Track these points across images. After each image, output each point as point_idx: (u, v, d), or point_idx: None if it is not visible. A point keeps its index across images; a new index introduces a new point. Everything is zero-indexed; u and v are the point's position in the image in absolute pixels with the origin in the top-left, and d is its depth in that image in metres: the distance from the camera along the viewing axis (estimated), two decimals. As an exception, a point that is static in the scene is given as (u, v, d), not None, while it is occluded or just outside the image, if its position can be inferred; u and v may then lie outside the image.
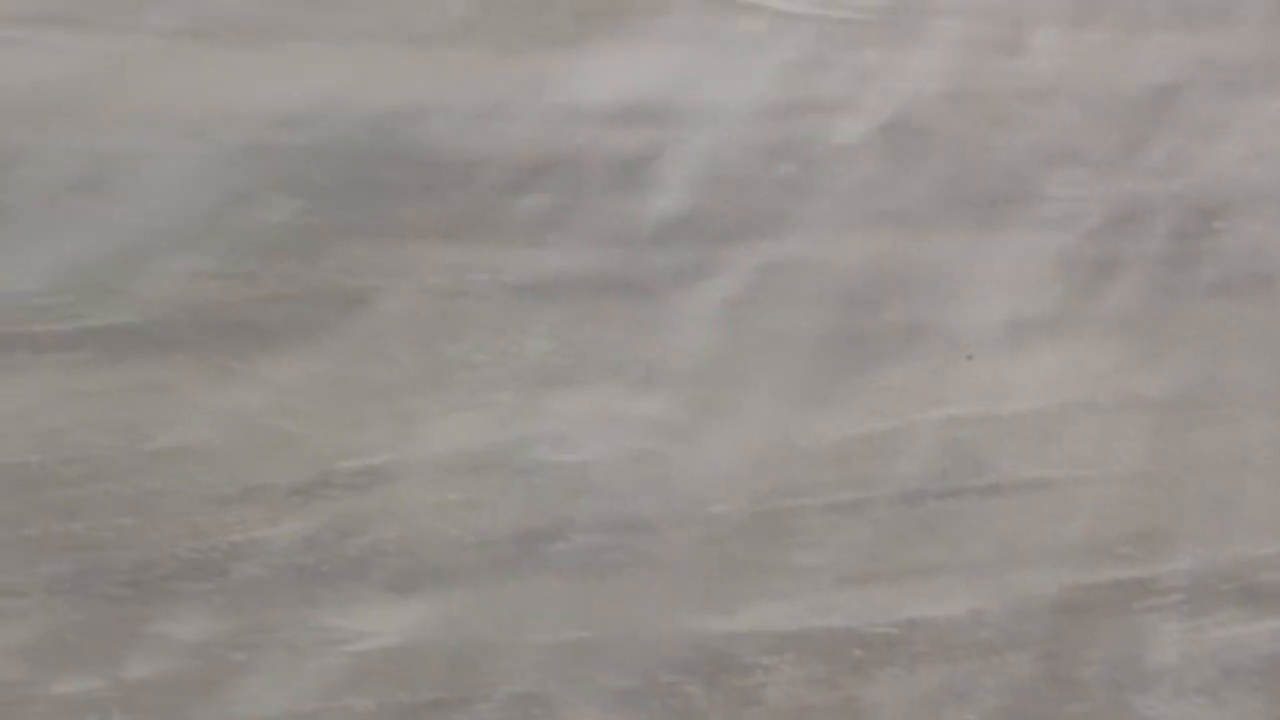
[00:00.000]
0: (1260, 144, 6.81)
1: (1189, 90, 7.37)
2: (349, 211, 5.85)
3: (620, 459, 4.37)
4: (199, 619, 3.65)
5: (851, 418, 4.63)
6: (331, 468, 4.25)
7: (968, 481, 4.34)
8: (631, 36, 7.90)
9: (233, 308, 5.12)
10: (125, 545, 3.89)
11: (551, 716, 3.40)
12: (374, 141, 6.49)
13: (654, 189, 6.18)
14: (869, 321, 5.22)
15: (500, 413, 4.58)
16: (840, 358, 4.98)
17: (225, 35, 7.74)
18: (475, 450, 4.38)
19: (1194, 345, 5.14)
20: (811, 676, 3.55)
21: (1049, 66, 7.81)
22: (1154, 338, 5.18)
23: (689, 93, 7.17)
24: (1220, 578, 3.93)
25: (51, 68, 7.19)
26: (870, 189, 6.28)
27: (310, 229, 5.70)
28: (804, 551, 4.00)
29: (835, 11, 8.43)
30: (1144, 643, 3.69)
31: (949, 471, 4.38)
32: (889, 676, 3.56)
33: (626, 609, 3.76)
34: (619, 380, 4.79)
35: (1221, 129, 6.94)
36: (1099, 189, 6.29)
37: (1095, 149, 6.72)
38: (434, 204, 5.95)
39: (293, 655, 3.54)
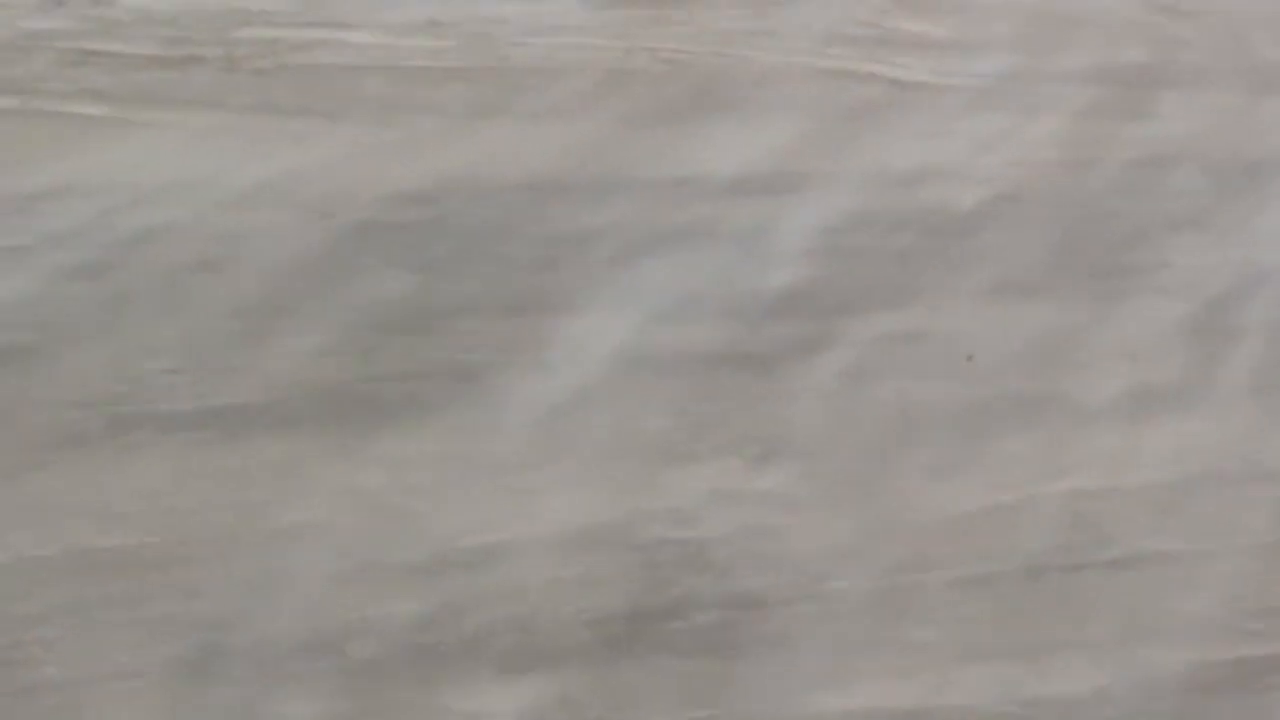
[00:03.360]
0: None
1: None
2: (466, 287, 5.87)
3: (738, 535, 4.36)
4: (316, 699, 3.67)
5: (973, 490, 4.62)
6: (448, 546, 4.26)
7: (1091, 555, 4.31)
8: (749, 108, 7.93)
9: (351, 385, 5.15)
10: (244, 625, 3.91)
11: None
12: (491, 217, 6.52)
13: (771, 261, 6.17)
14: (989, 392, 5.20)
15: (617, 488, 4.58)
16: (960, 429, 4.96)
17: (344, 112, 7.84)
18: (591, 527, 4.38)
19: None
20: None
21: (1171, 131, 7.77)
22: (1276, 406, 5.15)
23: (806, 163, 7.19)
24: None
25: (172, 147, 7.31)
26: (990, 258, 6.26)
27: (427, 305, 5.73)
28: (924, 627, 3.99)
29: (953, 79, 8.44)
30: (1274, 721, 3.67)
31: (1072, 545, 4.35)
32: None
33: (744, 688, 3.76)
34: (737, 455, 4.78)
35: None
36: (1221, 256, 6.25)
37: (1218, 215, 6.68)
38: (551, 279, 5.96)
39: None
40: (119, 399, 5.01)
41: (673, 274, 6.03)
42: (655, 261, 6.13)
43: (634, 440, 4.86)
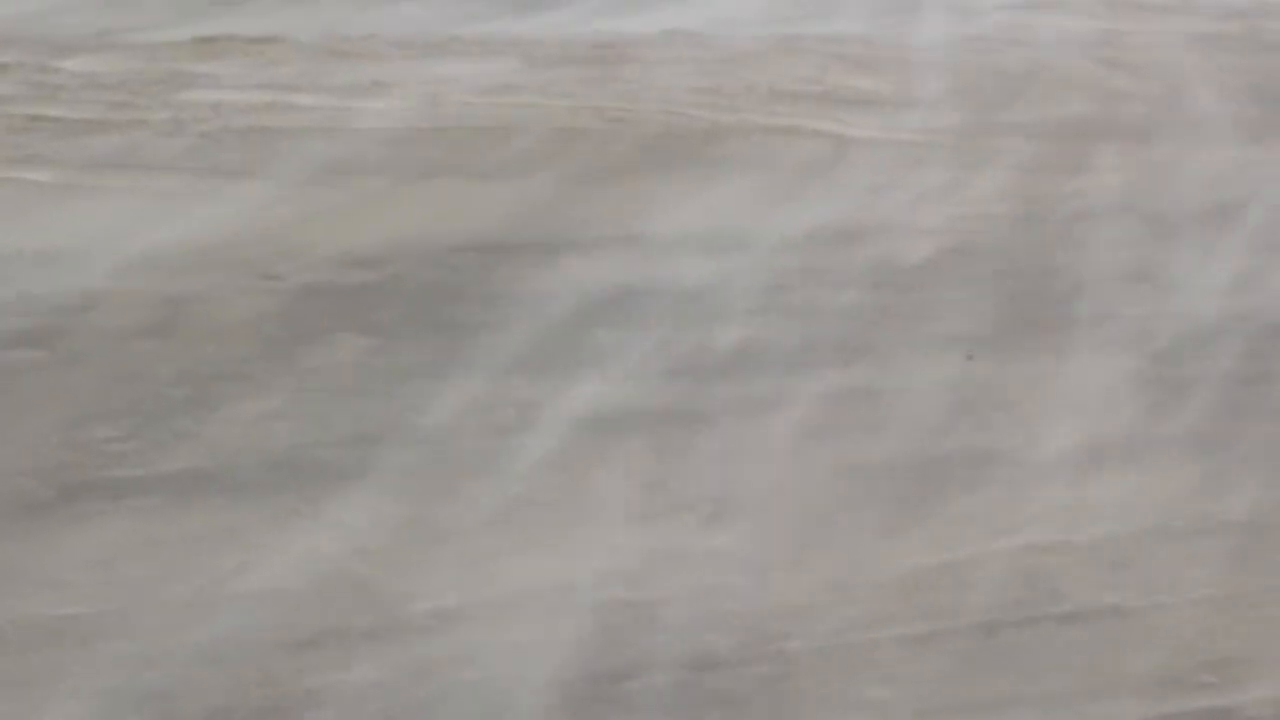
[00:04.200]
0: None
1: (1254, 206, 7.38)
2: (417, 350, 5.87)
3: (691, 595, 4.33)
4: None
5: (924, 547, 4.60)
6: (403, 611, 4.24)
7: (1044, 610, 4.29)
8: (697, 166, 7.98)
9: (302, 449, 5.13)
10: (198, 695, 3.88)
11: None
12: (441, 278, 6.55)
13: (720, 319, 6.19)
14: (939, 449, 5.19)
15: (570, 550, 4.56)
16: (911, 486, 4.94)
17: (290, 174, 7.84)
18: (546, 589, 4.35)
19: (1269, 465, 5.09)
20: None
21: (1113, 183, 7.82)
22: (1228, 458, 5.13)
23: (755, 221, 7.22)
24: None
25: (123, 214, 7.31)
26: (937, 313, 6.29)
27: (379, 368, 5.73)
28: (878, 686, 3.96)
29: (900, 135, 8.49)
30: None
31: (1024, 600, 4.33)
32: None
33: None
34: (689, 515, 4.76)
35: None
36: (1166, 308, 6.28)
37: (1162, 267, 6.72)
38: (502, 340, 5.96)
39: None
40: (69, 466, 4.99)
41: (622, 334, 6.04)
42: (605, 322, 6.15)
43: (587, 502, 4.85)
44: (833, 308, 6.32)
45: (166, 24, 10.76)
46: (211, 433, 5.24)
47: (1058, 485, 4.96)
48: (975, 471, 5.03)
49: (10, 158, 8.06)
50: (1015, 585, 4.40)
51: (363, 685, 3.92)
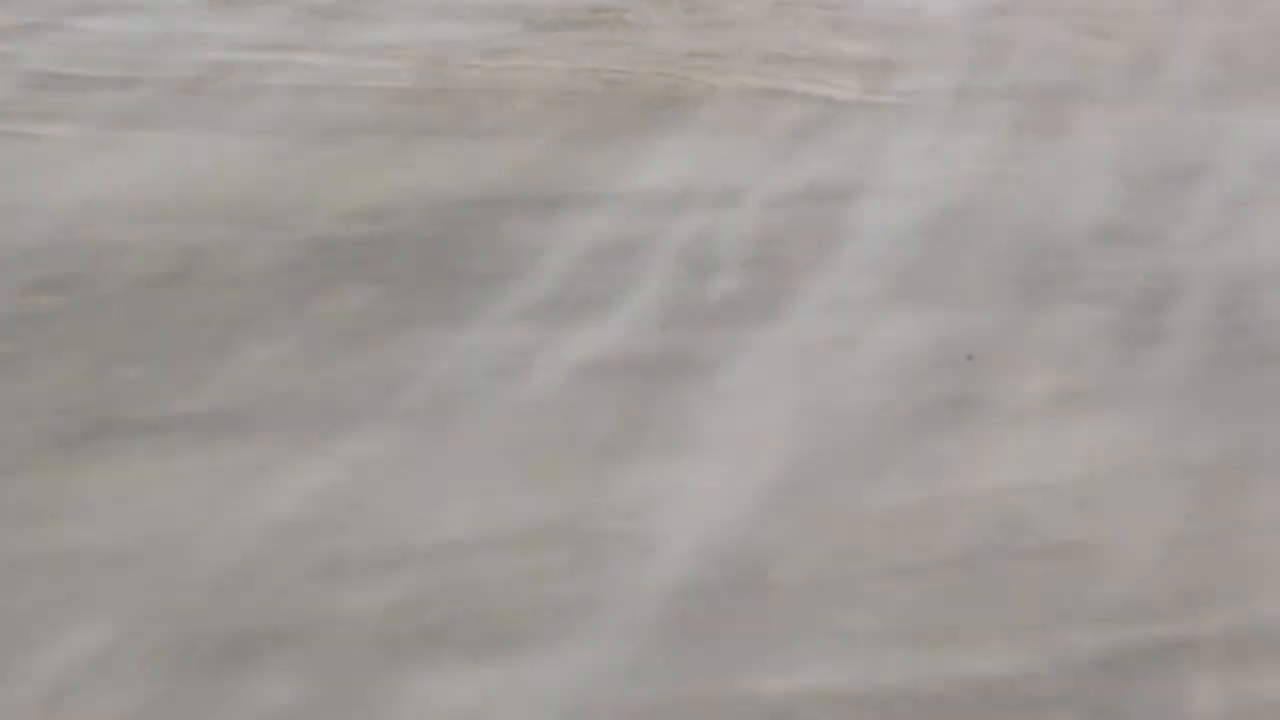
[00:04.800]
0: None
1: (1224, 167, 7.36)
2: (422, 299, 5.92)
3: (683, 528, 4.41)
4: (289, 686, 3.72)
5: (904, 487, 4.65)
6: (410, 541, 4.32)
7: (1014, 545, 4.35)
8: (689, 126, 7.93)
9: (312, 390, 5.21)
10: (218, 617, 3.97)
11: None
12: (445, 232, 6.57)
13: (710, 271, 6.21)
14: (920, 395, 5.22)
15: (566, 487, 4.63)
16: (892, 430, 4.99)
17: (300, 134, 7.83)
18: (543, 522, 4.43)
19: (1232, 412, 5.12)
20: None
21: (1092, 146, 7.79)
22: (1193, 406, 5.17)
23: (744, 178, 7.21)
24: (1256, 634, 3.95)
25: (142, 168, 7.34)
26: (920, 268, 6.29)
27: (385, 316, 5.77)
28: (858, 615, 4.03)
29: (884, 97, 8.46)
30: (1183, 697, 3.72)
31: (996, 536, 4.39)
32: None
33: (692, 669, 3.81)
34: (680, 454, 4.83)
35: (1257, 205, 6.95)
36: (1141, 264, 6.27)
37: (1137, 225, 6.72)
38: (503, 290, 6.00)
39: (374, 718, 3.62)
40: (94, 406, 5.07)
41: (618, 284, 6.07)
42: (602, 273, 6.19)
43: (582, 442, 4.90)
44: (820, 262, 6.31)
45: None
46: (228, 374, 5.30)
47: (1031, 430, 5.00)
48: (953, 417, 5.08)
49: (33, 113, 8.03)
50: (988, 522, 4.46)
51: (372, 610, 4.01)
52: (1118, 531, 4.43)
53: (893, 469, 4.76)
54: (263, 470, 4.68)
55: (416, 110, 8.19)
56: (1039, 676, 3.79)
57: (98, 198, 6.88)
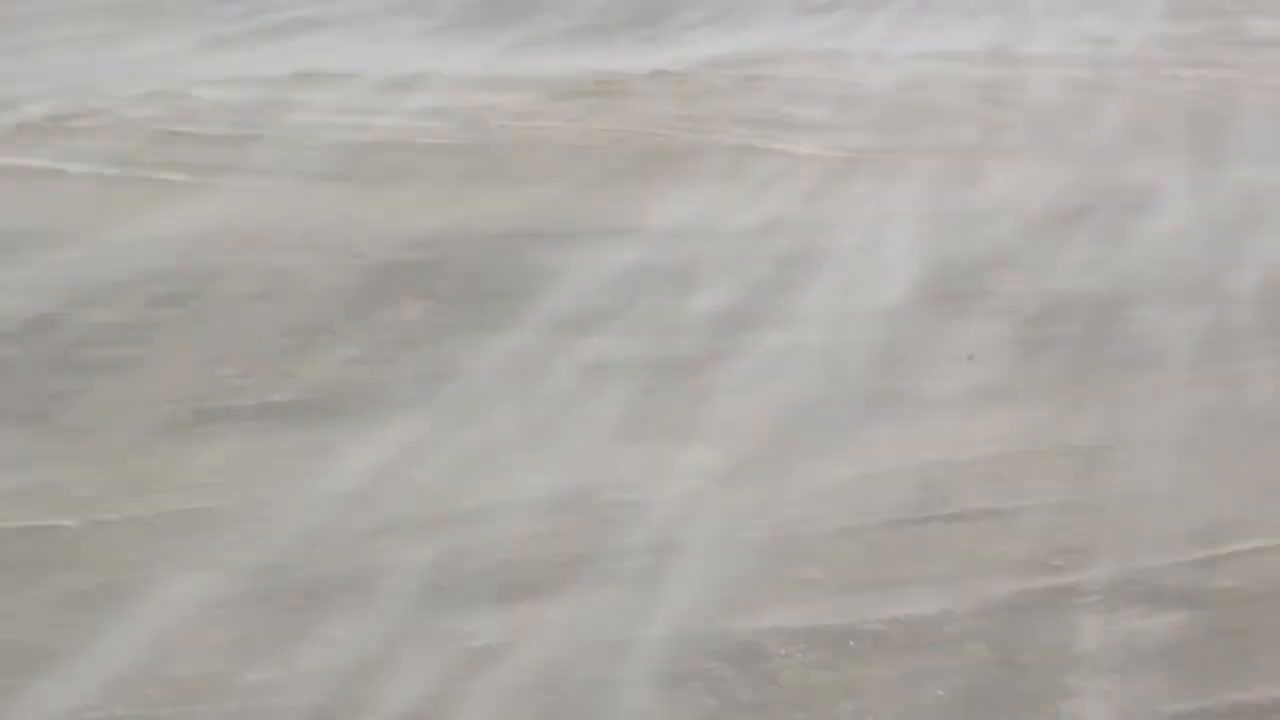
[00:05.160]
0: (1156, 252, 6.80)
1: (1099, 209, 7.37)
2: (463, 312, 5.88)
3: (672, 498, 4.36)
4: (355, 624, 3.68)
5: (848, 464, 4.60)
6: (451, 507, 4.27)
7: (936, 512, 4.31)
8: (678, 175, 7.93)
9: (376, 386, 5.15)
10: (298, 568, 3.93)
11: (614, 696, 3.41)
12: (482, 258, 6.53)
13: (696, 290, 6.17)
14: (861, 390, 5.18)
15: (578, 464, 4.59)
16: (839, 418, 4.94)
17: (366, 179, 7.82)
18: (559, 493, 4.38)
19: (1106, 405, 5.09)
20: (818, 662, 3.55)
21: (997, 191, 7.79)
22: (1078, 400, 5.13)
23: (722, 217, 7.19)
24: (1129, 583, 3.90)
25: (238, 207, 7.31)
26: (860, 288, 6.25)
27: (433, 325, 5.74)
28: (812, 567, 3.99)
29: (836, 152, 8.45)
30: (1072, 634, 3.67)
31: (922, 504, 4.35)
32: (877, 661, 3.56)
33: (677, 611, 3.76)
34: (672, 438, 4.78)
35: (1126, 241, 6.93)
36: (1032, 286, 6.25)
37: (1031, 254, 6.70)
38: (529, 305, 5.95)
39: (424, 650, 3.58)
40: (200, 397, 5.03)
41: (622, 300, 6.03)
42: (608, 291, 6.13)
43: (592, 427, 4.86)
44: (782, 281, 6.28)
45: (272, 63, 10.72)
46: (306, 372, 5.26)
47: (948, 419, 4.95)
48: (887, 407, 5.03)
49: (155, 163, 8.04)
50: (915, 492, 4.42)
51: (422, 563, 3.96)
52: (1018, 500, 4.38)
53: (839, 450, 4.70)
54: (333, 450, 4.64)
55: (460, 161, 8.20)
56: (957, 617, 3.74)
57: (204, 230, 6.85)
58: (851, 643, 3.62)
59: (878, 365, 5.42)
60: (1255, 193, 7.67)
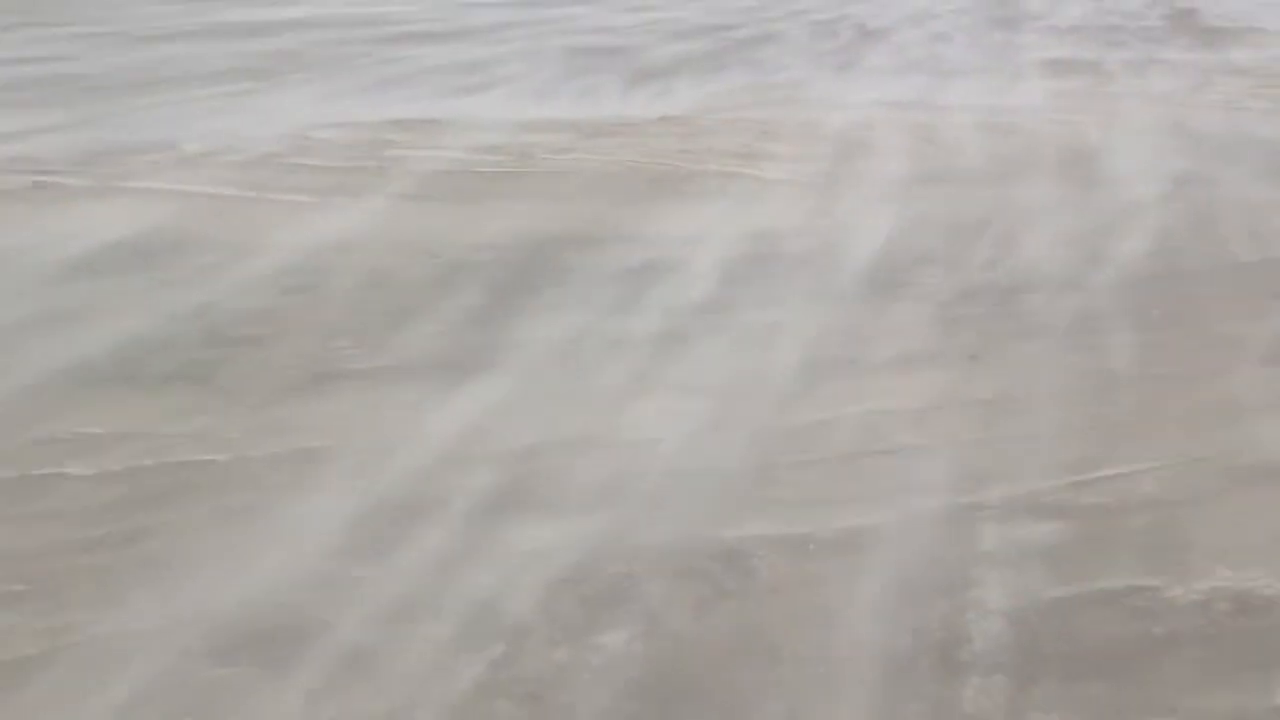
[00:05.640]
0: (1039, 253, 6.77)
1: (997, 220, 7.33)
2: (518, 298, 5.87)
3: (672, 436, 4.37)
4: (442, 532, 3.68)
5: (806, 412, 4.61)
6: (511, 446, 4.26)
7: (874, 447, 4.32)
8: (679, 195, 7.91)
9: (454, 354, 5.15)
10: (395, 491, 3.92)
11: (635, 586, 3.42)
12: (530, 257, 6.51)
13: (694, 282, 6.16)
14: (818, 356, 5.17)
15: (604, 413, 4.59)
16: (802, 377, 4.94)
17: (443, 198, 7.83)
18: (589, 434, 4.39)
19: (1005, 368, 5.08)
20: (785, 561, 3.56)
21: (919, 208, 7.75)
22: (983, 364, 5.13)
23: (715, 226, 7.17)
24: (1020, 500, 3.91)
25: (346, 219, 7.30)
26: (814, 277, 6.24)
27: (497, 308, 5.73)
28: (779, 489, 4.00)
29: (797, 178, 8.43)
30: (976, 539, 3.68)
31: (861, 442, 4.36)
32: (831, 560, 3.57)
33: (675, 525, 3.78)
34: (674, 390, 4.79)
35: (1017, 243, 6.91)
36: (948, 279, 6.23)
37: (945, 255, 6.68)
38: (568, 293, 5.95)
39: (488, 553, 3.59)
40: (319, 363, 5.04)
41: (636, 288, 6.02)
42: (628, 284, 6.11)
43: (615, 386, 4.86)
44: (759, 277, 6.27)
45: (372, 112, 10.71)
46: (403, 343, 5.26)
47: (883, 379, 4.95)
48: (836, 372, 5.02)
49: (283, 187, 8.01)
50: (857, 434, 4.42)
51: (488, 489, 3.97)
52: (937, 440, 4.38)
53: (800, 402, 4.71)
54: (424, 405, 4.65)
55: (513, 184, 8.18)
56: (890, 526, 3.75)
57: (321, 238, 6.84)
58: (811, 546, 3.65)
59: (832, 338, 5.41)
60: (1113, 208, 7.66)
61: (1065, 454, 4.25)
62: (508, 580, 3.43)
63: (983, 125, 10.19)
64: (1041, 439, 4.39)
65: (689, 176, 8.39)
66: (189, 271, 6.26)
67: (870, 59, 13.86)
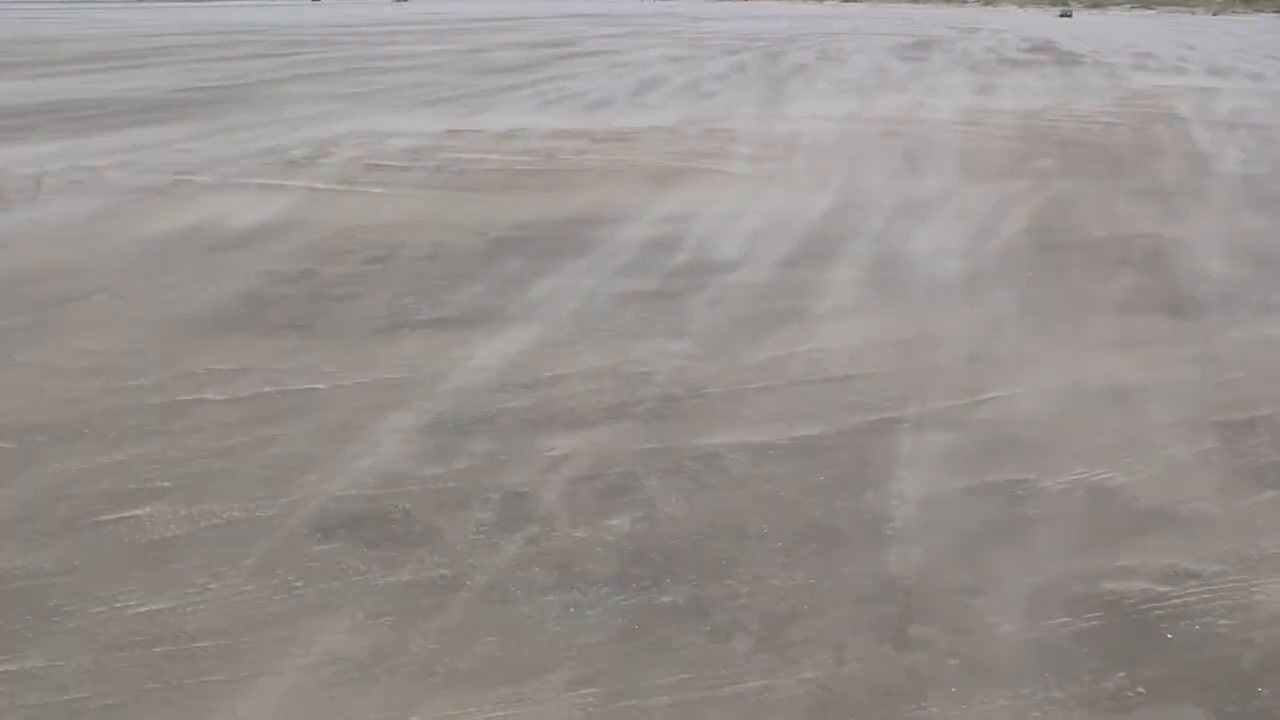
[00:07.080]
0: (944, 226, 6.65)
1: (910, 206, 7.19)
2: (546, 264, 5.79)
3: (668, 370, 4.30)
4: (486, 444, 3.61)
5: (766, 350, 4.53)
6: (534, 377, 4.18)
7: (819, 377, 4.24)
8: (673, 185, 7.84)
9: (494, 307, 5.08)
10: (450, 411, 3.85)
11: (638, 481, 3.38)
12: (555, 233, 6.43)
13: (681, 250, 6.09)
14: (774, 308, 5.10)
15: (612, 351, 4.51)
16: (763, 325, 4.87)
17: (485, 189, 7.75)
18: (602, 368, 4.31)
19: (917, 317, 4.99)
20: (749, 461, 3.49)
21: (851, 197, 7.66)
22: (898, 314, 5.03)
23: (697, 207, 7.10)
24: (929, 416, 3.83)
25: (413, 206, 7.21)
26: (772, 247, 6.16)
27: (529, 272, 5.66)
28: (749, 411, 3.92)
29: (760, 172, 8.36)
30: (896, 445, 3.61)
31: (810, 373, 4.27)
32: (784, 463, 3.50)
33: (667, 436, 3.70)
34: (665, 335, 4.72)
35: (927, 220, 6.77)
36: (869, 247, 6.09)
37: (865, 230, 6.55)
38: (583, 260, 5.87)
39: (521, 457, 3.55)
40: (393, 315, 4.97)
41: (642, 260, 5.92)
42: (631, 253, 6.03)
43: (620, 330, 4.79)
44: (731, 246, 6.19)
45: (431, 123, 10.59)
46: (453, 299, 5.19)
47: (829, 325, 4.87)
48: (785, 320, 4.95)
49: (365, 181, 7.95)
50: (806, 366, 4.34)
51: (519, 409, 3.88)
52: (865, 370, 4.32)
53: (759, 344, 4.63)
54: (469, 345, 4.58)
55: (540, 178, 8.10)
56: (831, 436, 3.70)
57: (394, 220, 6.75)
58: (770, 451, 3.60)
59: (783, 293, 5.34)
60: (1000, 196, 7.57)
61: (960, 381, 4.20)
62: (539, 477, 3.40)
63: (894, 133, 10.06)
64: (945, 371, 4.33)
65: (677, 172, 8.27)
66: (293, 247, 6.19)
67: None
